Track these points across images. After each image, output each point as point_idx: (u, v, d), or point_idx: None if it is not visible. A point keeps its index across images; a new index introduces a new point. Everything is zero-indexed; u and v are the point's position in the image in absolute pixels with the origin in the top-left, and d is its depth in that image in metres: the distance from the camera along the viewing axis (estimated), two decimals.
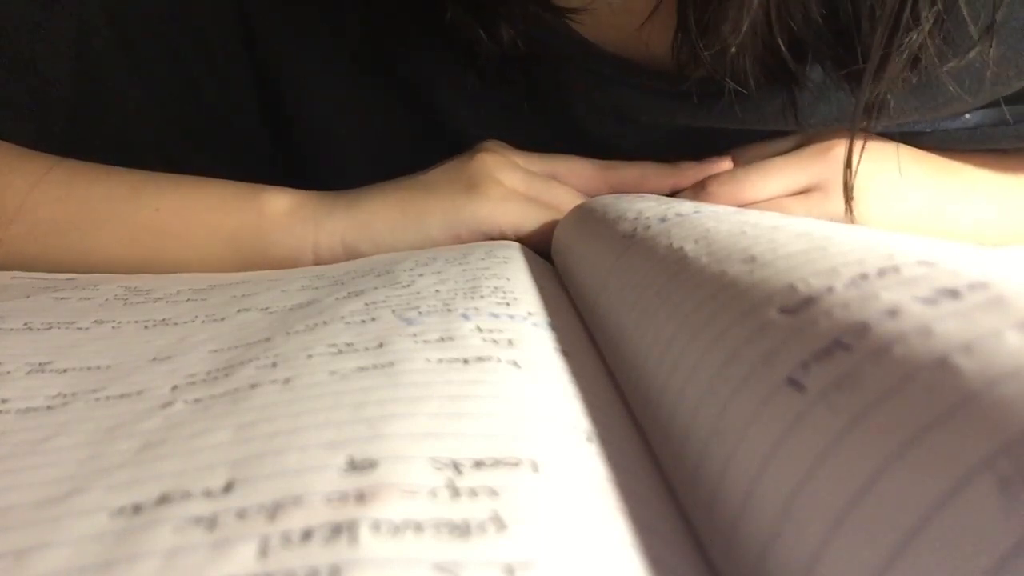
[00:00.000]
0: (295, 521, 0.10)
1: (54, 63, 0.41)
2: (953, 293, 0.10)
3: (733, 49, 0.30)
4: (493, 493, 0.11)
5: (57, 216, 0.35)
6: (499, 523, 0.10)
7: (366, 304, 0.22)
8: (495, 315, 0.20)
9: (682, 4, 0.31)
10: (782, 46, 0.31)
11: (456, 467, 0.11)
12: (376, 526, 0.10)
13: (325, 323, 0.20)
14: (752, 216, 0.20)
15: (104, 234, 0.36)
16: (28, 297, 0.28)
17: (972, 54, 0.31)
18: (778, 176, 0.37)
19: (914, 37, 0.29)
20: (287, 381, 0.16)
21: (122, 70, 0.43)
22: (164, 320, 0.24)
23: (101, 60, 0.42)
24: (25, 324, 0.23)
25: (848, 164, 0.34)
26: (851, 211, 0.35)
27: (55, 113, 0.41)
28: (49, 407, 0.16)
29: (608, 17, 0.35)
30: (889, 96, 0.32)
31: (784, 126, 0.38)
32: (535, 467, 0.11)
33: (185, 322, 0.24)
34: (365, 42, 0.42)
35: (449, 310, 0.20)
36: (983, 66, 0.32)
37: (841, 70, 0.32)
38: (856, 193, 0.35)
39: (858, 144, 0.33)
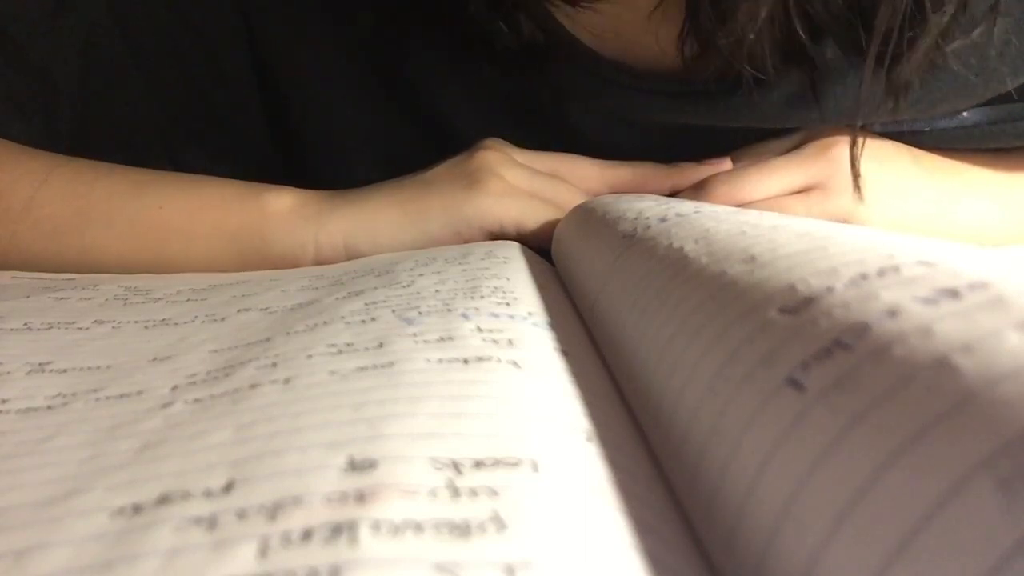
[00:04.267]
0: (295, 521, 0.10)
1: (61, 65, 0.41)
2: (953, 293, 0.10)
3: (751, 36, 0.30)
4: (493, 493, 0.11)
5: (62, 214, 0.36)
6: (499, 523, 0.10)
7: (366, 304, 0.22)
8: (495, 315, 0.20)
9: None
10: (799, 30, 0.31)
11: (456, 467, 0.11)
12: (376, 526, 0.10)
13: (325, 323, 0.20)
14: (752, 216, 0.20)
15: (108, 231, 0.36)
16: (28, 297, 0.28)
17: (976, 33, 0.31)
18: (777, 175, 0.37)
19: (937, 20, 0.29)
20: (287, 381, 0.16)
21: (127, 71, 0.43)
22: (164, 320, 0.24)
23: (106, 62, 0.43)
24: (25, 324, 0.23)
25: (852, 146, 0.33)
26: (860, 197, 0.35)
27: (61, 113, 0.42)
28: (49, 407, 0.16)
29: (612, 13, 0.35)
30: (914, 79, 0.32)
31: (784, 123, 0.38)
32: (535, 467, 0.11)
33: (185, 322, 0.24)
34: (367, 42, 0.42)
35: (449, 310, 0.20)
36: (984, 53, 0.32)
37: (859, 54, 0.32)
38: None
39: (862, 135, 0.33)
